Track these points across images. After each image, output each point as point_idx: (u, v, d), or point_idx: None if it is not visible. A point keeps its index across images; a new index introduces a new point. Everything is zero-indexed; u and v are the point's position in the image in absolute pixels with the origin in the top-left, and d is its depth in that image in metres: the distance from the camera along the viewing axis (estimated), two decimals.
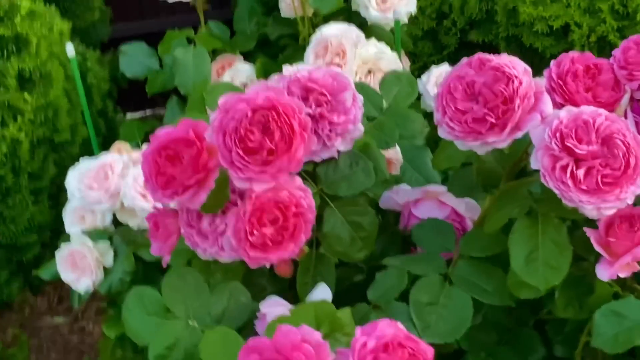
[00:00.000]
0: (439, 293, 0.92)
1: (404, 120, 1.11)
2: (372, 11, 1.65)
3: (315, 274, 0.98)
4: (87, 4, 2.72)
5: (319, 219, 0.95)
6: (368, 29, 1.67)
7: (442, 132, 0.85)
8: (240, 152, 0.78)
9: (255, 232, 0.81)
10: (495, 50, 2.09)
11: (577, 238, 0.87)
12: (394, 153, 1.23)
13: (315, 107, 0.90)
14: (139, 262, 1.56)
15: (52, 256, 1.96)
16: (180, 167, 0.82)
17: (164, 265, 0.96)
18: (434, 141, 1.28)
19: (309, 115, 0.88)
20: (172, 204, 0.94)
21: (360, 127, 0.93)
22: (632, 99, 0.85)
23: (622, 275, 0.81)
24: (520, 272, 0.86)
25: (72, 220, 1.63)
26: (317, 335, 0.71)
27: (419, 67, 2.16)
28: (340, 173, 0.94)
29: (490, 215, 0.92)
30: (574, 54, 0.86)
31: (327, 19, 1.67)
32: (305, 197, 0.82)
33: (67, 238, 1.57)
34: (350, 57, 1.34)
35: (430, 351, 0.75)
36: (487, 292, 0.92)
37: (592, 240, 0.83)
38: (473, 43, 2.12)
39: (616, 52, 0.86)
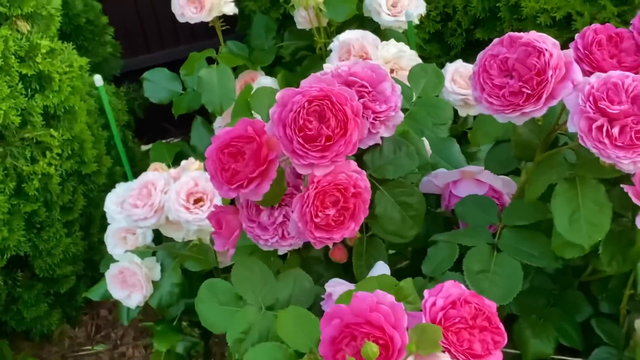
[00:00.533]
0: (489, 261, 0.98)
1: (435, 108, 1.18)
2: (385, 15, 1.73)
3: (368, 257, 1.05)
4: (100, 40, 2.79)
5: (370, 203, 1.01)
6: (382, 33, 1.75)
7: (481, 108, 0.91)
8: (301, 140, 0.85)
9: (319, 214, 0.87)
10: None
11: (614, 197, 0.94)
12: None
13: (359, 98, 0.97)
14: (185, 274, 1.63)
15: (87, 287, 2.04)
16: (243, 162, 0.89)
17: (228, 260, 1.02)
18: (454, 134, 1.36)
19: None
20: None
21: (401, 114, 1.00)
22: None
23: None
24: (565, 233, 0.92)
25: (115, 242, 1.70)
26: (390, 298, 0.78)
27: None
28: (385, 158, 1.00)
29: (530, 184, 0.98)
30: (596, 25, 0.93)
31: (340, 28, 1.75)
32: (362, 178, 0.89)
33: (106, 263, 1.64)
34: (374, 58, 1.41)
35: (493, 306, 0.81)
36: (533, 257, 0.98)
37: (631, 194, 0.89)
38: (479, 41, 2.19)
39: (634, 21, 0.93)
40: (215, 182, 0.91)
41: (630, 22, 0.94)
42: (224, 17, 1.79)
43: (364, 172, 0.91)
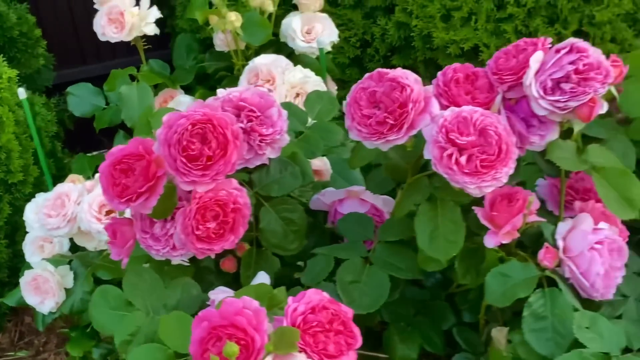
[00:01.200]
0: (361, 273, 1.08)
1: (327, 132, 1.28)
2: (299, 42, 1.83)
3: (257, 268, 1.14)
4: (32, 52, 2.84)
5: (257, 218, 1.11)
6: (296, 58, 1.85)
7: (352, 135, 1.02)
8: (184, 160, 0.94)
9: (200, 227, 0.96)
10: (415, 73, 2.28)
11: (471, 218, 1.05)
12: (323, 164, 1.40)
13: (247, 122, 1.06)
14: (97, 283, 1.69)
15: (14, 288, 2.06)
16: (133, 177, 0.97)
17: (123, 267, 1.10)
18: None
19: (242, 129, 1.05)
20: (127, 214, 1.09)
21: (286, 137, 1.10)
22: (503, 98, 1.03)
23: (504, 242, 0.99)
24: (425, 248, 1.03)
25: (32, 250, 1.75)
26: (255, 303, 0.87)
27: (348, 92, 2.34)
28: (271, 177, 1.10)
29: (398, 204, 1.09)
30: (456, 65, 1.05)
31: (258, 51, 1.84)
32: (241, 195, 0.98)
33: (25, 270, 1.70)
34: (279, 82, 1.51)
35: (350, 312, 0.91)
36: (401, 269, 1.09)
37: (479, 216, 1.00)
38: (395, 67, 2.30)
39: (489, 62, 1.05)
40: (107, 196, 0.99)
41: (487, 62, 1.06)
42: (159, 35, 1.86)
43: (244, 189, 1.00)
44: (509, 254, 1.03)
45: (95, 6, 1.82)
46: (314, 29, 1.84)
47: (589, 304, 1.00)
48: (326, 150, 1.35)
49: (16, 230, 2.53)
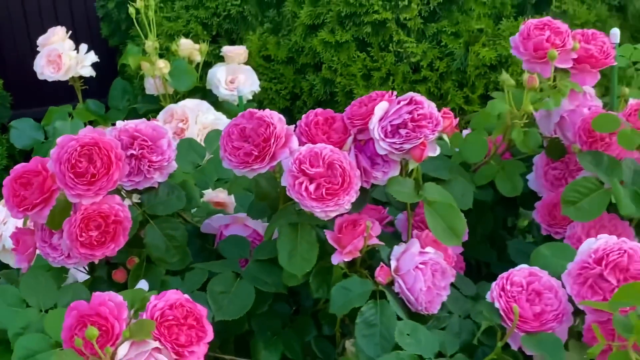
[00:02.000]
0: (231, 285, 1.23)
1: (221, 166, 1.45)
2: (222, 90, 2.01)
3: (145, 278, 1.28)
4: None
5: (143, 233, 1.26)
6: (220, 104, 2.03)
7: (224, 164, 1.19)
8: (72, 176, 1.10)
9: (83, 234, 1.12)
10: None
11: (327, 241, 1.21)
12: (228, 198, 1.57)
13: (139, 149, 1.23)
14: None
15: None
16: (30, 190, 1.13)
17: (24, 272, 1.25)
18: None
19: (133, 155, 1.21)
20: (29, 225, 1.24)
21: (174, 165, 1.26)
22: (355, 139, 1.21)
23: (347, 260, 1.15)
24: (284, 265, 1.18)
25: None
26: (119, 298, 1.02)
27: None
28: (158, 199, 1.26)
29: (268, 228, 1.25)
30: (318, 109, 1.22)
31: (186, 96, 2.02)
32: (123, 209, 1.14)
33: None
34: (192, 122, 1.68)
35: (204, 311, 1.07)
36: (267, 284, 1.24)
37: (329, 237, 1.17)
38: None
39: (347, 109, 1.23)
40: (8, 205, 1.14)
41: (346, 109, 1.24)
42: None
43: (125, 205, 1.16)
44: (354, 272, 1.19)
45: (38, 48, 2.00)
46: (237, 79, 2.03)
47: (419, 318, 1.16)
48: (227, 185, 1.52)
49: None
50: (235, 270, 1.26)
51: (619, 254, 1.05)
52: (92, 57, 1.98)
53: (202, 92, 2.05)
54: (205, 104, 1.88)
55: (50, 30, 1.99)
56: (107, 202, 1.13)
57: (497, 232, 1.50)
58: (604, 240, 1.06)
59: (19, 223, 1.72)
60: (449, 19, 2.41)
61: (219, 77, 2.01)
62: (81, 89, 2.05)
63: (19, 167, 1.15)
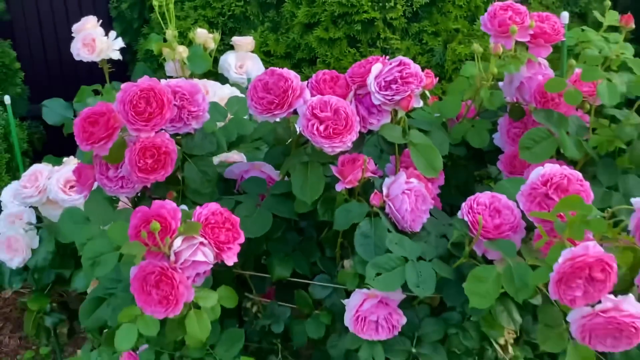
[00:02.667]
0: (253, 211, 1.52)
1: (240, 124, 1.74)
2: (232, 74, 2.30)
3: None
4: (11, 81, 3.30)
5: (182, 169, 1.55)
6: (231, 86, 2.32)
7: (251, 111, 1.48)
8: (133, 114, 1.38)
9: (141, 161, 1.40)
10: None
11: (333, 177, 1.50)
12: (240, 157, 1.86)
13: (180, 101, 1.51)
14: (58, 245, 2.09)
15: None
16: (97, 127, 1.41)
17: (84, 199, 1.53)
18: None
19: (175, 105, 1.50)
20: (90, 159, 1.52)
21: (207, 115, 1.55)
22: (355, 93, 1.50)
23: (348, 187, 1.44)
24: (297, 194, 1.47)
25: (6, 225, 2.15)
26: (173, 204, 1.31)
27: None
28: (195, 142, 1.55)
29: (282, 167, 1.55)
30: (325, 70, 1.52)
31: (200, 79, 2.31)
32: (171, 143, 1.43)
33: None
34: (212, 94, 1.97)
35: (238, 219, 1.35)
36: (281, 211, 1.53)
37: (333, 170, 1.46)
38: None
39: (348, 70, 1.53)
40: (79, 140, 1.43)
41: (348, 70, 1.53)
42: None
43: (172, 140, 1.45)
44: (352, 197, 1.48)
45: (73, 34, 2.27)
46: (245, 65, 2.32)
47: (405, 234, 1.46)
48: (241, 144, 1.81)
49: None
50: (256, 203, 1.55)
51: (561, 177, 1.35)
52: (120, 42, 2.26)
53: (215, 75, 2.33)
54: (218, 84, 2.17)
55: (84, 19, 2.26)
56: (160, 137, 1.42)
57: (469, 183, 1.80)
58: (549, 168, 1.37)
59: (62, 179, 2.00)
60: (430, 20, 2.72)
61: (230, 63, 2.31)
62: (108, 72, 2.33)
63: (87, 109, 1.44)
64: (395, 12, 2.66)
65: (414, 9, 2.68)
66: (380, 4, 2.64)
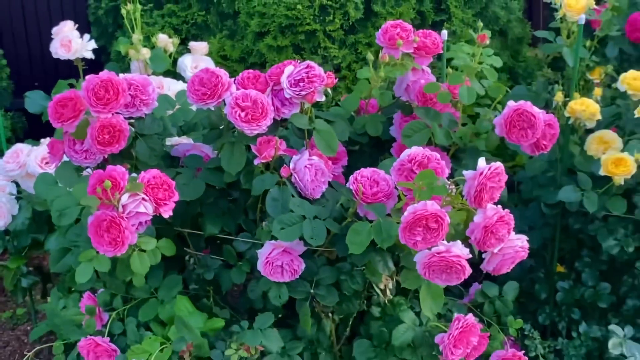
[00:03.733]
0: (190, 180, 1.89)
1: (185, 112, 2.12)
2: (188, 73, 2.68)
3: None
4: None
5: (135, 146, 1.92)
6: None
7: (189, 100, 1.85)
8: (94, 99, 1.75)
9: (100, 136, 1.77)
10: None
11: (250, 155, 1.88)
12: (187, 139, 2.24)
13: (134, 91, 1.89)
14: (34, 213, 2.45)
15: None
16: (67, 109, 1.78)
17: (55, 168, 1.90)
18: None
19: (130, 94, 1.87)
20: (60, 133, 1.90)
21: (156, 104, 1.93)
22: (272, 89, 1.88)
23: (263, 161, 1.83)
24: (225, 167, 1.85)
25: None
26: (122, 168, 1.69)
27: None
28: (145, 124, 1.92)
29: (215, 145, 1.93)
30: (249, 70, 1.90)
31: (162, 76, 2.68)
32: (124, 123, 1.80)
33: None
34: (166, 89, 2.35)
35: (173, 183, 1.73)
36: (214, 181, 1.91)
37: (253, 149, 1.84)
38: None
39: (268, 71, 1.91)
40: (51, 119, 1.79)
41: (267, 71, 1.92)
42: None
43: (126, 121, 1.82)
44: (270, 169, 1.87)
45: (52, 36, 2.64)
46: (199, 66, 2.69)
47: (307, 200, 1.84)
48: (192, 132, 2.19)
49: None
50: (193, 174, 1.93)
51: (422, 157, 1.74)
52: (93, 44, 2.62)
53: (173, 74, 2.70)
54: (176, 82, 2.55)
55: (63, 23, 2.62)
56: (115, 118, 1.79)
57: (374, 166, 2.18)
58: (415, 149, 1.76)
59: (39, 156, 2.36)
60: (364, 32, 3.11)
61: (186, 64, 2.68)
62: (83, 69, 2.69)
63: (59, 95, 1.81)
64: (334, 25, 3.04)
65: (350, 23, 3.07)
66: (321, 18, 3.03)
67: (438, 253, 1.57)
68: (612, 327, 2.09)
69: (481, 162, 1.60)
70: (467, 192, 1.63)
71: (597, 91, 2.16)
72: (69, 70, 3.05)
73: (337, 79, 3.10)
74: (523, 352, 2.11)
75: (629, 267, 2.18)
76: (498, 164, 1.60)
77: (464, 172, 1.62)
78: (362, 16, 3.10)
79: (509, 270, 1.71)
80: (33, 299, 2.89)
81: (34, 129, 3.50)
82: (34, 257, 2.83)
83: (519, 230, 1.76)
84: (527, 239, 1.69)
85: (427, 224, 1.55)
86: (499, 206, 1.64)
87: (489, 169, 1.58)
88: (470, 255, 1.60)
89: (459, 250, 1.57)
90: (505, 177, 1.63)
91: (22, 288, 2.71)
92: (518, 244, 1.65)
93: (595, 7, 2.29)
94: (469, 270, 1.59)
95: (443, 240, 1.58)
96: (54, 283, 2.80)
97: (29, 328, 3.11)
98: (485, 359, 2.15)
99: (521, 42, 3.63)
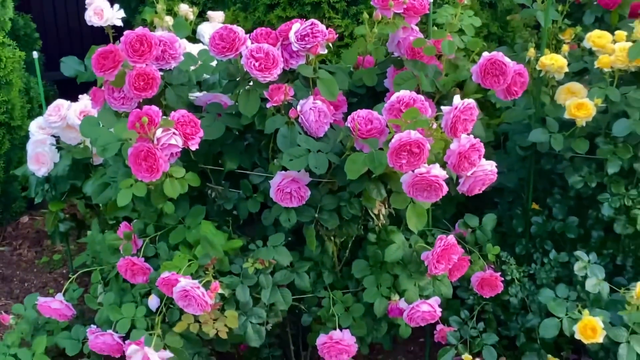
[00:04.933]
0: (212, 122, 2.20)
1: (205, 67, 2.41)
2: (206, 39, 2.97)
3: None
4: (32, 47, 3.97)
5: (164, 94, 2.22)
6: None
7: (211, 53, 2.15)
8: (131, 51, 2.05)
9: (136, 82, 2.07)
10: None
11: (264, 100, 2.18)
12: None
13: (163, 46, 2.19)
14: (73, 161, 2.76)
15: (3, 206, 3.13)
16: (107, 60, 2.08)
17: (96, 114, 2.20)
18: None
19: (161, 50, 2.17)
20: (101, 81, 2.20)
21: (182, 57, 2.22)
22: (282, 43, 2.17)
23: (274, 104, 2.12)
24: (242, 110, 2.15)
25: (32, 148, 2.80)
26: (157, 108, 1.99)
27: None
28: (173, 75, 2.22)
29: (233, 93, 2.23)
30: (262, 28, 2.20)
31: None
32: (156, 72, 2.10)
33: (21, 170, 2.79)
34: (188, 48, 2.65)
35: (199, 121, 2.03)
36: (232, 123, 2.21)
37: (265, 94, 2.13)
38: None
39: (278, 29, 2.20)
40: (94, 69, 2.09)
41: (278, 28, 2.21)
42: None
43: (158, 71, 2.12)
44: (279, 113, 2.16)
45: (86, 5, 2.94)
46: None
47: (311, 137, 2.13)
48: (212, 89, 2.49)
49: (10, 162, 3.63)
50: (214, 118, 2.23)
51: (409, 98, 2.03)
52: (122, 13, 2.91)
53: (193, 40, 2.99)
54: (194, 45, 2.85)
55: None
56: (149, 68, 2.09)
57: None
58: (402, 92, 2.05)
59: (78, 109, 2.67)
60: (365, 4, 3.40)
61: (205, 30, 2.97)
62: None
63: (100, 49, 2.11)
64: None
65: None
66: None
67: (420, 174, 1.87)
68: (577, 252, 2.38)
69: (456, 98, 1.90)
70: (445, 124, 1.92)
71: (565, 48, 2.44)
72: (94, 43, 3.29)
73: (340, 47, 3.39)
74: (500, 274, 2.41)
75: (594, 202, 2.47)
76: (470, 100, 1.89)
77: (442, 107, 1.92)
78: None
79: (480, 192, 2.01)
80: (69, 243, 3.20)
81: (65, 97, 3.80)
82: (71, 206, 3.14)
83: (499, 172, 2.06)
84: (496, 164, 1.99)
85: (410, 149, 1.85)
86: (472, 136, 1.94)
87: (462, 104, 1.87)
88: (447, 176, 1.89)
89: (438, 171, 1.86)
90: (476, 112, 1.92)
91: (59, 232, 3.02)
92: (488, 168, 1.95)
93: None
94: (445, 189, 1.89)
95: (425, 163, 1.88)
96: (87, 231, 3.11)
97: (64, 271, 3.44)
98: (467, 281, 2.46)
99: (510, 13, 3.90)
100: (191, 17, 2.97)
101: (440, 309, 2.24)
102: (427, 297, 2.23)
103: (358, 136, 2.04)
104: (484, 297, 2.43)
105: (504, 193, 2.77)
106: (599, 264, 2.39)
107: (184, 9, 2.95)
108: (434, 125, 1.99)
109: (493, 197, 2.82)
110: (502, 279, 2.41)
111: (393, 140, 1.84)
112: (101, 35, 2.70)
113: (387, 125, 2.05)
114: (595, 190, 2.43)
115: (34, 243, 3.68)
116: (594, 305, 2.31)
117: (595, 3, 2.87)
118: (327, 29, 2.16)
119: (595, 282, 2.32)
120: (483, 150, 1.94)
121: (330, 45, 2.18)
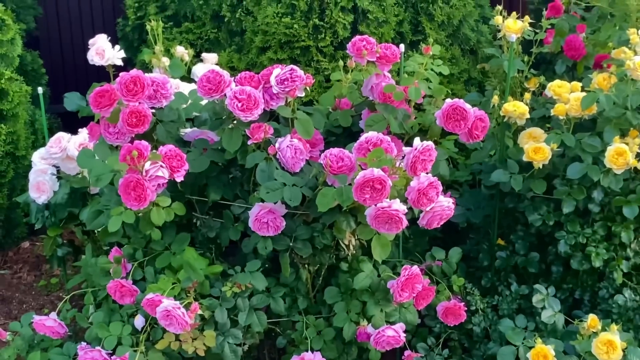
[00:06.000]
0: (198, 156, 2.39)
1: (195, 106, 2.61)
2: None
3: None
4: (38, 82, 4.19)
5: (155, 130, 2.41)
6: None
7: (199, 94, 2.35)
8: (125, 90, 2.25)
9: (129, 119, 2.27)
10: None
11: (246, 137, 2.37)
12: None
13: (155, 86, 2.39)
14: (71, 190, 2.94)
15: (2, 233, 3.32)
16: (104, 98, 2.28)
17: (92, 147, 2.39)
18: None
19: (153, 89, 2.37)
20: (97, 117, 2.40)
21: (172, 96, 2.42)
22: (263, 86, 2.38)
23: (255, 142, 2.31)
24: (225, 146, 2.34)
25: (34, 177, 3.00)
26: (146, 143, 2.18)
27: None
28: (163, 113, 2.42)
29: (218, 131, 2.42)
30: (246, 72, 2.40)
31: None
32: (147, 111, 2.29)
33: (23, 197, 2.98)
34: (182, 88, 2.85)
35: (184, 155, 2.23)
36: (216, 158, 2.40)
37: (247, 132, 2.32)
38: None
39: (260, 73, 2.40)
40: (92, 106, 2.29)
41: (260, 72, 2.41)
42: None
43: (149, 109, 2.32)
44: (259, 149, 2.35)
45: (89, 46, 3.15)
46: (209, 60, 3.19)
47: (288, 172, 2.32)
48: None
49: (13, 190, 3.82)
50: (200, 153, 2.42)
51: (377, 139, 2.22)
52: (122, 53, 3.12)
53: (188, 80, 3.20)
54: (191, 85, 3.05)
55: (97, 36, 3.13)
56: (141, 106, 2.29)
57: None
58: (371, 133, 2.24)
59: (77, 142, 2.86)
60: None
61: (199, 71, 3.18)
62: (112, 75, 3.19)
63: (98, 88, 2.31)
64: (325, 42, 3.54)
65: (339, 40, 3.57)
66: (314, 36, 3.53)
67: (382, 207, 2.05)
68: (537, 286, 2.55)
69: (416, 140, 2.08)
70: (406, 163, 2.11)
71: (527, 96, 2.64)
72: (98, 79, 3.51)
73: (327, 88, 3.59)
74: (464, 304, 2.58)
75: (553, 239, 2.64)
76: (429, 143, 2.08)
77: (404, 148, 2.11)
78: (350, 35, 3.59)
79: (438, 226, 2.18)
80: (66, 268, 3.37)
81: (68, 129, 4.00)
82: (68, 232, 3.32)
83: (466, 209, 2.23)
84: (455, 200, 2.17)
85: (373, 185, 2.03)
86: (431, 175, 2.12)
87: (421, 145, 2.06)
88: (407, 210, 2.07)
89: (398, 205, 2.04)
90: (435, 153, 2.11)
91: (57, 257, 3.19)
92: (445, 204, 2.13)
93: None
94: (405, 222, 2.07)
95: (387, 198, 2.06)
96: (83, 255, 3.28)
97: (61, 294, 3.60)
98: (434, 310, 2.63)
99: (489, 60, 4.11)
100: (187, 58, 3.18)
101: (407, 335, 2.40)
102: (393, 323, 2.39)
103: (330, 172, 2.22)
104: (449, 325, 2.59)
105: (474, 229, 2.94)
106: (558, 297, 2.55)
107: (180, 50, 3.16)
108: (399, 164, 2.18)
109: (469, 233, 3.00)
110: (467, 308, 2.57)
111: (358, 177, 2.03)
112: (105, 71, 2.90)
113: (359, 165, 2.23)
114: (554, 228, 2.60)
115: (33, 267, 3.85)
116: (550, 336, 2.46)
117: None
118: (313, 71, 2.35)
119: (551, 314, 2.48)
120: (440, 188, 2.12)
121: (318, 85, 2.37)
